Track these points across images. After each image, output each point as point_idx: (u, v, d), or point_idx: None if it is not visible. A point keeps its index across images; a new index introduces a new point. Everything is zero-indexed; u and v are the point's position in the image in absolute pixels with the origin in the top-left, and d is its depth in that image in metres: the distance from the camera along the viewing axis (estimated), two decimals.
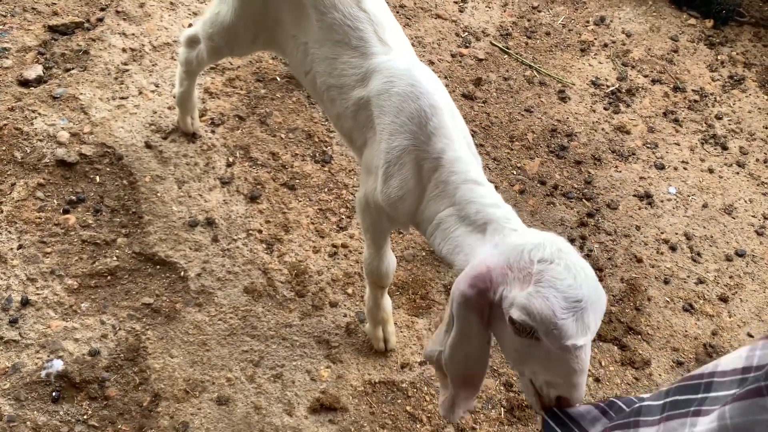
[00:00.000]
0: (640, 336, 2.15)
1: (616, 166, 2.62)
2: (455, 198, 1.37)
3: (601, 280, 2.30)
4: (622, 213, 2.48)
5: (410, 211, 1.47)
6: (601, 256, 2.34)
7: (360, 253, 2.17)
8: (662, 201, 2.53)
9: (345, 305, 2.05)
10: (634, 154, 2.67)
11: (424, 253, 2.21)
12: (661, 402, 0.99)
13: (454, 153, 1.40)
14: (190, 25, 2.59)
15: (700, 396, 0.91)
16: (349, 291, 2.08)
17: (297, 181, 2.31)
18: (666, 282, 2.30)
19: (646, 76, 2.97)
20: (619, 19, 3.17)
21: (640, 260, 2.35)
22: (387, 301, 1.87)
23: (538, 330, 1.11)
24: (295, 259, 2.12)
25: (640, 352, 2.11)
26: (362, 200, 1.60)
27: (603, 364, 2.07)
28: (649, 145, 2.71)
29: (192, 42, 1.97)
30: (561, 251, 1.14)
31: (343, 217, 2.26)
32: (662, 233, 2.43)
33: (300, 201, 2.27)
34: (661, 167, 2.64)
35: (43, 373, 1.75)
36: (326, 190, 2.32)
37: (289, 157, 2.37)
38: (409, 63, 1.50)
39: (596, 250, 2.36)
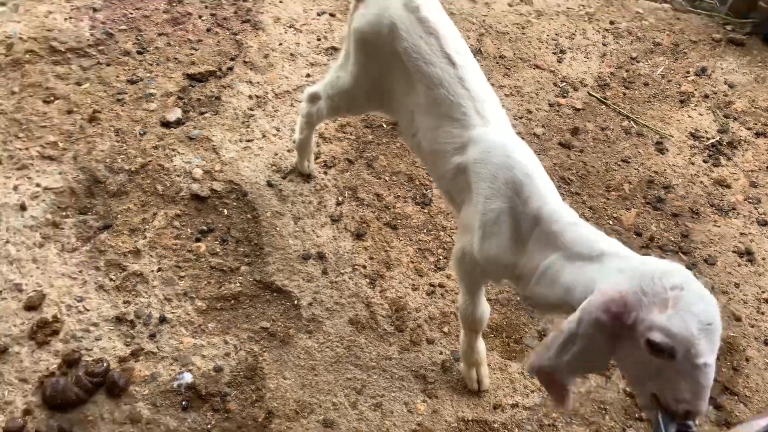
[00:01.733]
0: (737, 397, 2.15)
1: (715, 221, 2.63)
2: (562, 241, 1.49)
3: None
4: (720, 269, 2.49)
5: (507, 268, 1.62)
6: None
7: (455, 294, 2.31)
8: (764, 259, 2.52)
9: (441, 343, 2.19)
10: (734, 209, 2.67)
11: (518, 298, 2.32)
12: None
13: (550, 206, 1.55)
14: (307, 75, 2.85)
15: None
16: (445, 329, 2.22)
17: (399, 221, 2.49)
18: (766, 343, 2.28)
19: (749, 129, 2.96)
20: (722, 69, 3.18)
21: (738, 319, 2.35)
22: (481, 344, 2.00)
23: (677, 350, 1.22)
24: (396, 295, 2.29)
25: (737, 413, 2.11)
26: (459, 253, 1.75)
27: (698, 422, 2.08)
28: (751, 200, 2.70)
29: (313, 98, 2.21)
30: (688, 278, 1.27)
31: (441, 257, 2.41)
32: (763, 292, 2.42)
33: (401, 240, 2.44)
34: (764, 224, 2.62)
35: (175, 384, 1.99)
36: (425, 231, 2.48)
37: (392, 199, 2.55)
38: (504, 136, 1.67)
39: None
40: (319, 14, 3.08)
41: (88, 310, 2.11)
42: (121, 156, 2.49)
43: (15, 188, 2.35)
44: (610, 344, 1.32)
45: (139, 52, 2.84)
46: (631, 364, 1.33)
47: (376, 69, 1.90)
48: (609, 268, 1.38)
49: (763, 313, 2.36)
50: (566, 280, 1.46)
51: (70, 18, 2.92)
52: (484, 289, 1.89)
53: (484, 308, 1.89)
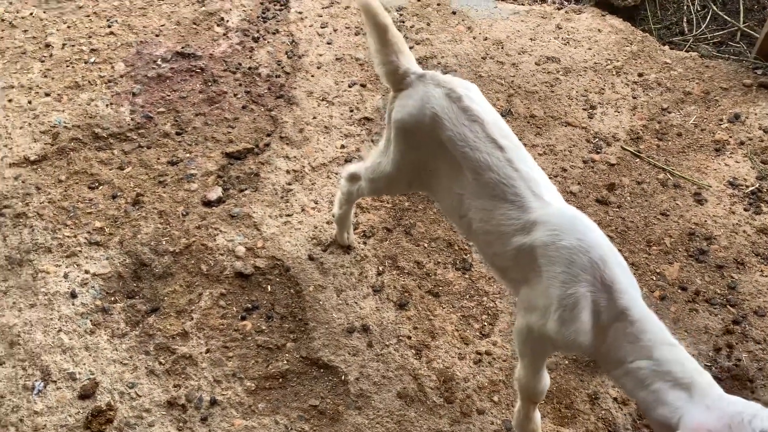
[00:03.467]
0: None
1: (762, 270, 2.58)
2: (653, 355, 1.52)
3: (752, 391, 2.26)
4: None
5: (588, 349, 1.62)
6: (751, 366, 2.30)
7: (503, 361, 2.29)
8: None
9: (492, 413, 2.16)
10: None
11: (567, 362, 2.29)
12: None
13: (640, 311, 1.57)
14: (342, 147, 2.91)
15: None
16: (495, 399, 2.20)
17: (440, 288, 2.49)
18: None
19: None
20: (755, 115, 3.16)
21: None
22: (537, 414, 1.97)
23: None
24: (443, 365, 2.27)
25: None
26: (525, 330, 1.74)
27: None
28: None
29: (353, 178, 2.25)
30: None
31: (485, 324, 2.40)
32: None
33: (444, 308, 2.44)
34: None
35: None
36: (468, 297, 2.48)
37: (432, 265, 2.56)
38: (572, 216, 1.68)
39: (744, 360, 2.32)
40: (350, 86, 3.16)
41: (140, 396, 2.14)
42: (165, 238, 2.55)
43: (65, 276, 2.42)
44: None
45: (177, 133, 2.94)
46: None
47: (418, 157, 1.94)
48: (697, 401, 1.42)
49: None
50: (651, 394, 1.50)
51: (111, 104, 3.04)
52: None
53: (546, 380, 1.89)
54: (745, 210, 2.78)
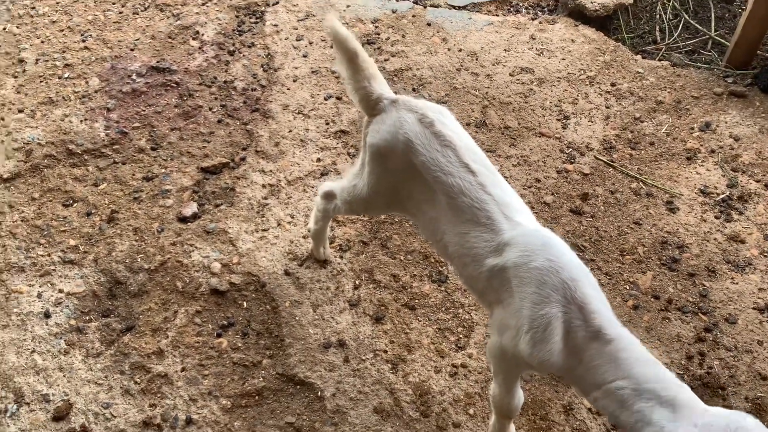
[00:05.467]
0: None
1: (732, 278, 2.62)
2: (631, 373, 1.51)
3: (723, 399, 2.29)
4: (742, 327, 2.46)
5: (561, 369, 1.62)
6: (723, 374, 2.34)
7: (478, 374, 2.30)
8: None
9: (467, 426, 2.17)
10: (750, 264, 2.66)
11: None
12: None
13: (615, 329, 1.56)
14: (318, 160, 2.92)
15: None
16: (471, 412, 2.21)
17: (416, 301, 2.50)
18: None
19: (758, 181, 2.97)
20: (726, 123, 3.21)
21: (765, 378, 2.31)
22: (512, 428, 2.00)
23: None
24: (419, 379, 2.28)
25: None
26: (497, 349, 1.76)
27: None
28: (766, 254, 2.69)
29: (329, 196, 2.25)
30: (763, 430, 1.34)
31: (461, 336, 2.41)
32: None
33: (420, 321, 2.45)
34: None
35: None
36: (444, 309, 2.49)
37: (409, 278, 2.57)
38: (543, 238, 1.68)
39: (716, 367, 2.35)
40: (326, 98, 3.18)
41: (115, 417, 2.13)
42: (141, 255, 2.54)
43: (39, 296, 2.40)
44: None
45: (153, 149, 2.93)
46: None
47: (393, 181, 1.95)
48: (682, 419, 1.42)
49: None
50: (635, 414, 1.49)
51: (86, 119, 3.03)
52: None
53: (520, 396, 1.91)
54: (716, 218, 2.83)
